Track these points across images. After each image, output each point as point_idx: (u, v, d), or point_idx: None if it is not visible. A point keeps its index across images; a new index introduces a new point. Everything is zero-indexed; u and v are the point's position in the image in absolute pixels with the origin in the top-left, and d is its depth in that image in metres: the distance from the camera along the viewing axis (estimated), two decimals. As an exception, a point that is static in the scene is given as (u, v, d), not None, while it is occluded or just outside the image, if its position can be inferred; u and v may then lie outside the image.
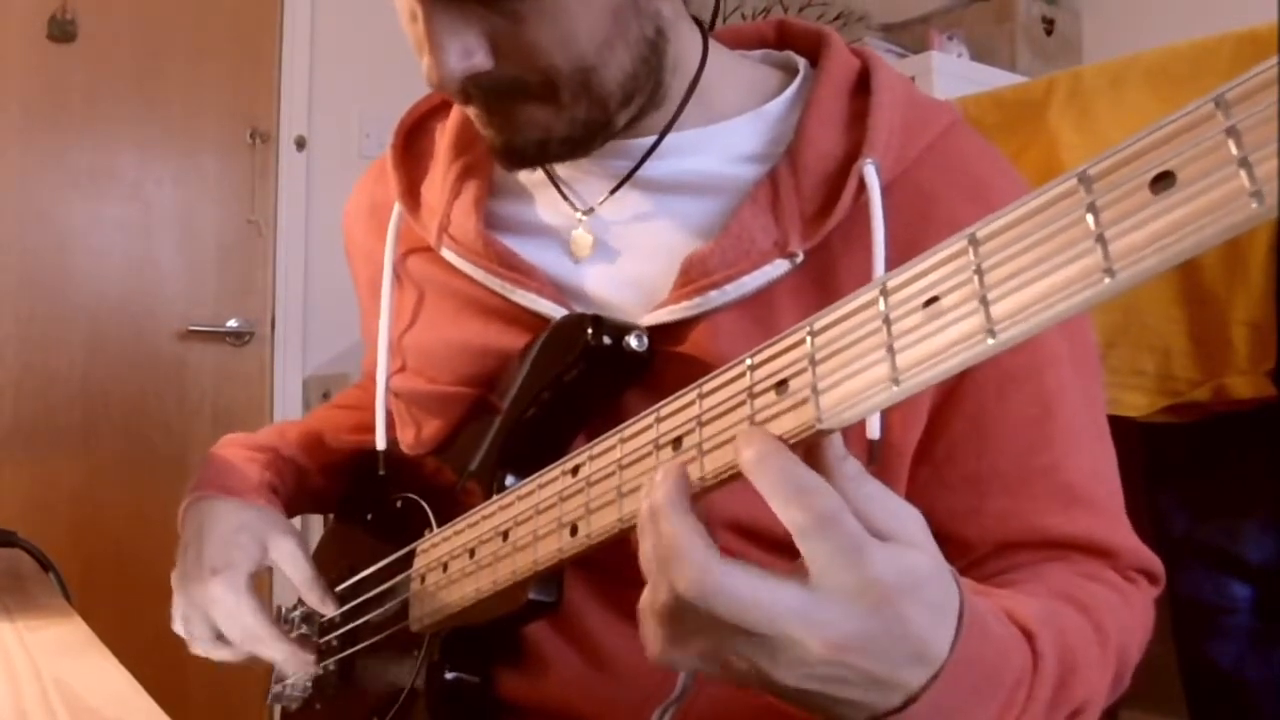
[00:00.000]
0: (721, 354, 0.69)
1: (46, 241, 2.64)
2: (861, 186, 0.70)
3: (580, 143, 0.73)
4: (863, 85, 0.76)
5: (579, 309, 0.75)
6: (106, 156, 2.72)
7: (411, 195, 0.86)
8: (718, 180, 0.75)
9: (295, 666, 0.87)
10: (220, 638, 0.88)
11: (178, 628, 0.89)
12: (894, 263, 0.69)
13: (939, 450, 0.73)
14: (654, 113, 0.75)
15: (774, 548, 0.72)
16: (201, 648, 0.90)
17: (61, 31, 2.64)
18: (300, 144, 2.94)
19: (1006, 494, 0.71)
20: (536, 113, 0.70)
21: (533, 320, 0.77)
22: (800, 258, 0.70)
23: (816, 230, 0.70)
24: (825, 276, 0.70)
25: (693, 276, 0.71)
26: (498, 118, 0.71)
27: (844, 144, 0.73)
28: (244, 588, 0.85)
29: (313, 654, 0.88)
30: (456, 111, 0.87)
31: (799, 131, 0.74)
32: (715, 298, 0.70)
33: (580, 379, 0.71)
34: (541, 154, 0.73)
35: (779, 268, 0.70)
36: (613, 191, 0.78)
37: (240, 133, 2.89)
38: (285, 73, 2.94)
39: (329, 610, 0.88)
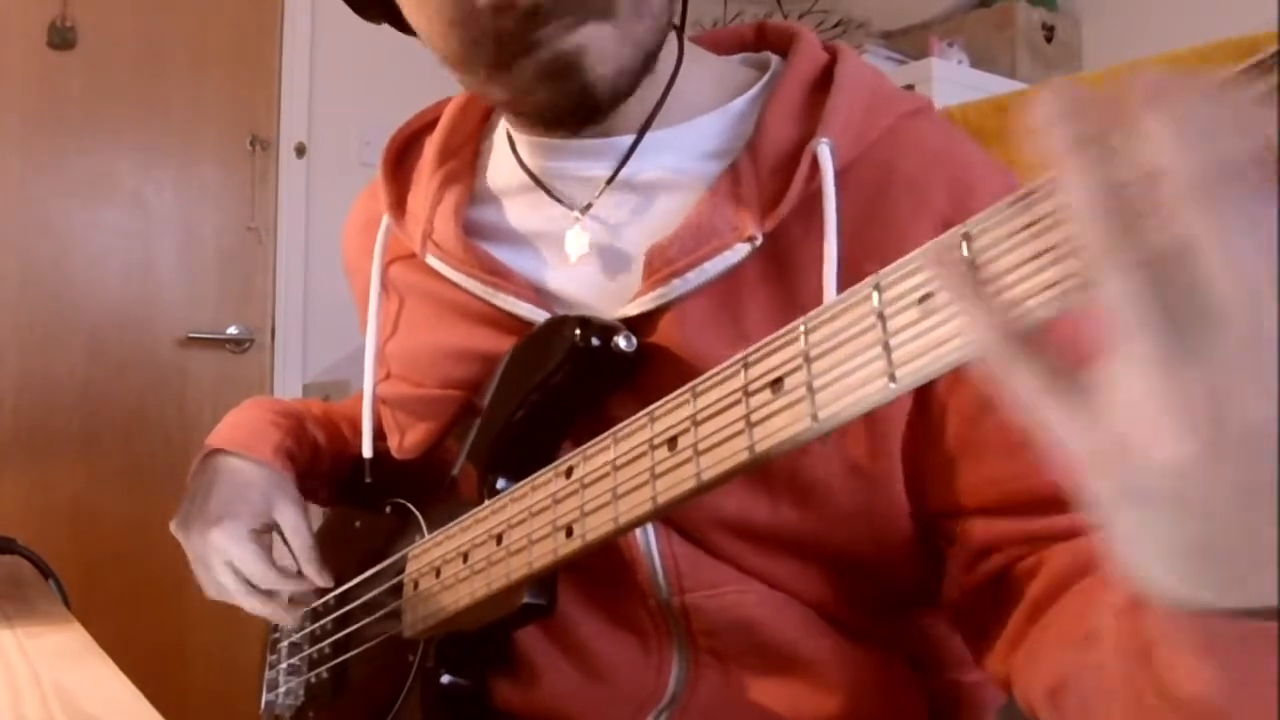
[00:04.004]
0: (689, 341, 0.69)
1: (46, 248, 2.64)
2: (816, 167, 0.70)
3: (639, 73, 0.72)
4: (829, 77, 0.75)
5: (559, 311, 0.75)
6: (106, 163, 2.72)
7: (399, 205, 0.87)
8: (685, 177, 0.75)
9: (286, 620, 0.89)
10: (218, 584, 0.89)
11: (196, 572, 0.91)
12: (852, 238, 0.68)
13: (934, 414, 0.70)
14: (634, 104, 0.75)
15: (770, 544, 0.72)
16: (211, 594, 0.91)
17: (61, 39, 2.64)
18: (300, 151, 2.94)
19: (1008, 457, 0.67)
20: (599, 33, 0.69)
21: (514, 324, 0.77)
22: (759, 240, 0.69)
23: (774, 213, 0.70)
24: (785, 257, 0.70)
25: (655, 267, 0.71)
26: (563, 50, 0.69)
27: (801, 129, 0.73)
28: (244, 538, 0.86)
29: (304, 606, 0.90)
30: (444, 122, 0.88)
31: (759, 122, 0.74)
32: (679, 285, 0.70)
33: (568, 380, 0.71)
34: (612, 90, 0.71)
35: (739, 252, 0.69)
36: (608, 183, 0.78)
37: (240, 140, 2.89)
38: (285, 80, 2.94)
39: (324, 582, 0.88)
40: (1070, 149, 0.32)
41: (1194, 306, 0.31)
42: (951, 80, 2.58)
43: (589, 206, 0.78)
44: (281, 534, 0.89)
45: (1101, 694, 0.47)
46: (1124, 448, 0.32)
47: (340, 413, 1.05)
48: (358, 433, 1.01)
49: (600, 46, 0.69)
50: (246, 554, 0.86)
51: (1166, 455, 0.31)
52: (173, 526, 0.90)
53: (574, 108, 0.72)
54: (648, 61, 0.72)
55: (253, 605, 0.88)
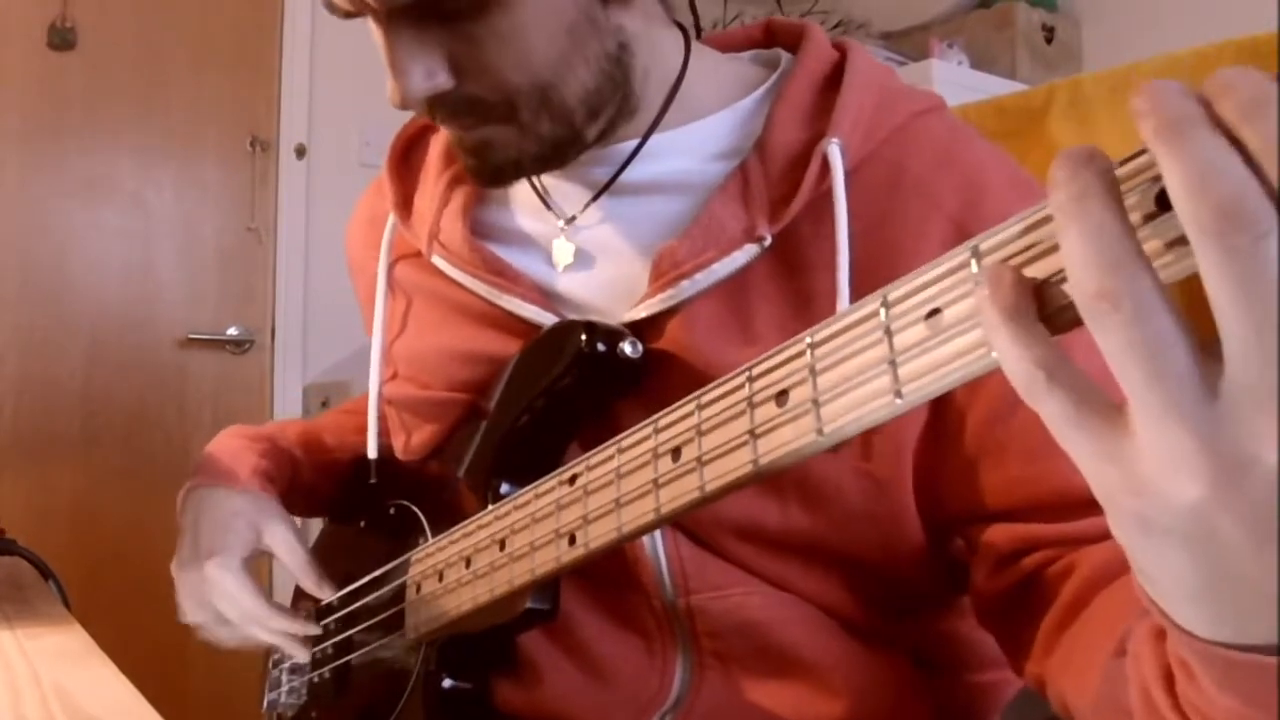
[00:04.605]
0: (697, 344, 0.69)
1: (47, 250, 2.64)
2: (826, 167, 0.70)
3: (552, 159, 0.73)
4: (839, 75, 0.75)
5: (564, 313, 0.76)
6: (106, 164, 2.72)
7: (405, 205, 0.87)
8: (692, 178, 0.75)
9: (292, 649, 0.88)
10: (224, 621, 0.89)
11: (185, 617, 0.90)
12: (861, 239, 0.68)
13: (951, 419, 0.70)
14: (628, 121, 0.76)
15: (778, 547, 0.72)
16: (209, 633, 0.90)
17: (61, 40, 2.64)
18: (300, 152, 2.94)
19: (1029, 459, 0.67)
20: (502, 133, 0.71)
21: (520, 326, 0.77)
22: (768, 241, 0.70)
23: (783, 213, 0.70)
24: (795, 258, 0.70)
25: (664, 269, 0.71)
26: (468, 138, 0.73)
27: (811, 129, 0.73)
28: (238, 569, 0.86)
29: (309, 640, 0.89)
30: None
31: (768, 122, 0.74)
32: (687, 288, 0.70)
33: (574, 385, 0.71)
34: (516, 172, 0.74)
35: (748, 253, 0.70)
36: (593, 199, 0.78)
37: (240, 141, 2.88)
38: (285, 81, 2.93)
39: (325, 595, 0.88)
40: (1070, 199, 0.32)
41: (1203, 352, 0.31)
42: (951, 81, 2.57)
43: (573, 219, 0.78)
44: (275, 555, 0.89)
45: (1132, 709, 0.47)
46: (1143, 485, 0.32)
47: (323, 425, 1.05)
48: (342, 441, 1.01)
49: (503, 141, 0.72)
50: (240, 589, 0.86)
51: (1184, 498, 0.31)
52: (173, 569, 0.89)
53: (486, 177, 0.75)
54: (561, 146, 0.73)
55: (264, 635, 0.88)
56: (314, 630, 0.88)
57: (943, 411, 0.69)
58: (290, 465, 0.98)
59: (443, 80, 0.68)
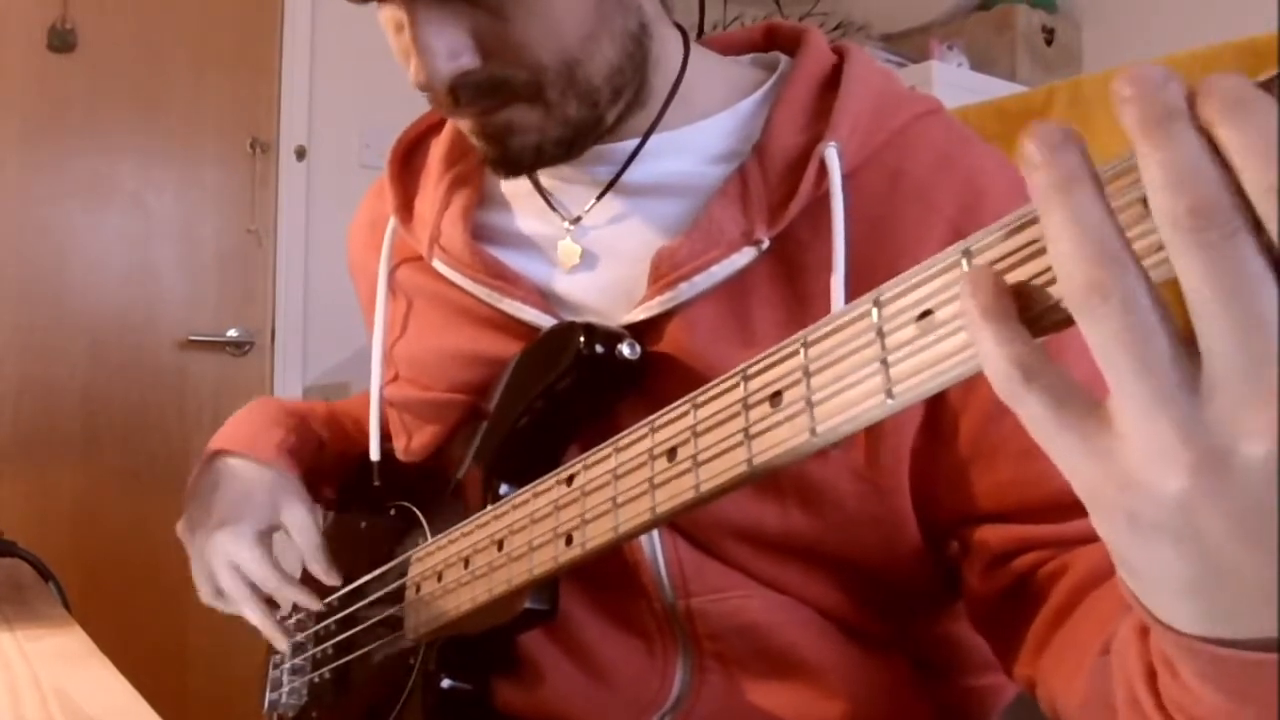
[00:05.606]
0: (697, 346, 0.69)
1: (47, 251, 2.64)
2: (824, 170, 0.70)
3: (573, 143, 0.73)
4: (838, 78, 0.75)
5: (565, 316, 0.76)
6: (107, 166, 2.72)
7: (406, 208, 0.87)
8: (691, 180, 0.75)
9: (280, 640, 0.89)
10: (219, 593, 0.89)
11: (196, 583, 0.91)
12: (860, 243, 0.68)
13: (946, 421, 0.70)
14: (636, 114, 0.76)
15: (778, 550, 0.72)
16: (206, 599, 0.91)
17: (61, 41, 2.64)
18: (300, 154, 2.94)
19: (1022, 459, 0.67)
20: (526, 115, 0.70)
21: (521, 329, 0.77)
22: (766, 244, 0.69)
23: (781, 216, 0.69)
24: (793, 261, 0.70)
25: (663, 271, 0.71)
26: (489, 124, 0.72)
27: (810, 133, 0.73)
28: (251, 540, 0.87)
29: (289, 633, 0.90)
30: (451, 125, 0.87)
31: (767, 125, 0.74)
32: (686, 290, 0.70)
33: (573, 387, 0.71)
34: (536, 159, 0.73)
35: (746, 255, 0.70)
36: (598, 198, 0.78)
37: (240, 142, 2.88)
38: (285, 82, 2.93)
39: (333, 580, 0.88)
40: (1053, 188, 0.33)
41: (1185, 346, 0.31)
42: (951, 83, 2.58)
43: (579, 219, 0.78)
44: (289, 534, 0.89)
45: (1118, 708, 0.47)
46: (1128, 480, 0.33)
47: (345, 410, 1.05)
48: (363, 431, 1.01)
49: (525, 124, 0.71)
50: (252, 557, 0.86)
51: (1167, 490, 0.32)
52: (179, 529, 0.90)
53: (505, 165, 0.74)
54: (583, 129, 0.72)
55: (252, 613, 0.88)
56: (317, 605, 0.89)
57: (938, 413, 0.69)
58: (316, 447, 0.98)
59: (468, 60, 0.67)
